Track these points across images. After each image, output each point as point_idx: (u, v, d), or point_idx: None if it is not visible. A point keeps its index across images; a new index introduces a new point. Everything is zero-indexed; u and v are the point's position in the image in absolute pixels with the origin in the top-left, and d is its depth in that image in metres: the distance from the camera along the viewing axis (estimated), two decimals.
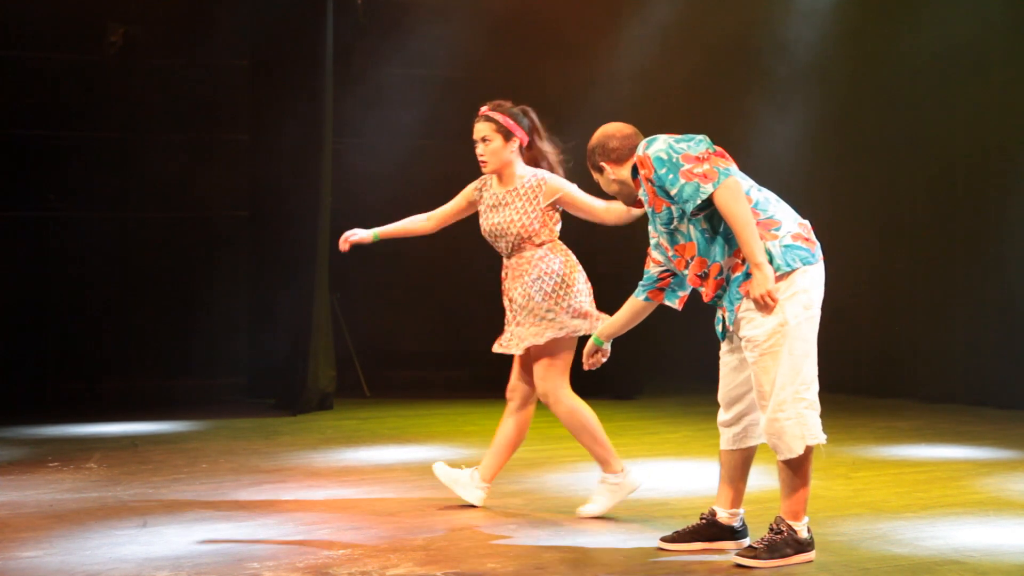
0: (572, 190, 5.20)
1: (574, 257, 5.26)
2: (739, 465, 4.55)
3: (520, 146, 5.21)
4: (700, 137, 4.32)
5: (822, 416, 4.28)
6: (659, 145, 4.33)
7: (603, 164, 4.50)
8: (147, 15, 9.40)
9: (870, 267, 9.42)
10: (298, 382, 8.69)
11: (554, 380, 5.15)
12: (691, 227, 4.30)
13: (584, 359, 4.84)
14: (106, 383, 9.31)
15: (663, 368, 10.13)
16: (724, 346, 4.53)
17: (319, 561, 4.37)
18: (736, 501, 4.56)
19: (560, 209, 5.23)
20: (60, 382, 9.26)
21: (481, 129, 5.17)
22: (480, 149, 5.17)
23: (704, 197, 4.17)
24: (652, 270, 4.63)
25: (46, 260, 9.34)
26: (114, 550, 4.55)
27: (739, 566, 4.23)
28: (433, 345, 10.47)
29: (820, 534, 4.74)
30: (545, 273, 5.15)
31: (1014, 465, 6.30)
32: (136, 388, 9.35)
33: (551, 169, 5.27)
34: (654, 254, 4.58)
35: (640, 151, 4.37)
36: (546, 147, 5.27)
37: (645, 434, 7.65)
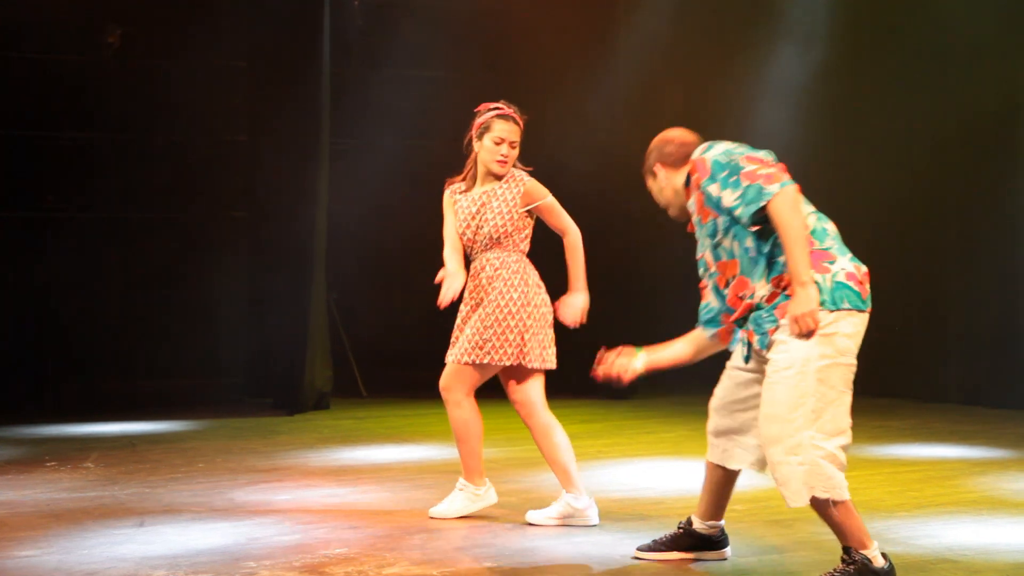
0: (544, 206, 5.10)
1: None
2: (720, 482, 4.34)
3: None
4: (764, 150, 4.07)
5: None
6: (718, 149, 4.07)
7: (657, 168, 4.24)
8: (144, 16, 9.41)
9: (864, 263, 9.44)
10: (295, 382, 8.70)
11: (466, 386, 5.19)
12: (735, 243, 4.00)
13: (608, 363, 4.51)
14: (104, 383, 9.32)
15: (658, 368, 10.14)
16: (738, 361, 4.24)
17: (316, 560, 4.39)
18: (715, 515, 4.37)
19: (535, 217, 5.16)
20: (58, 382, 9.26)
21: (514, 132, 5.09)
22: (505, 150, 5.08)
23: (767, 200, 3.83)
24: (711, 302, 4.25)
25: (44, 260, 9.35)
26: (111, 549, 4.57)
27: None
28: (430, 345, 10.47)
29: (814, 532, 4.76)
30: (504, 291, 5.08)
31: (1007, 464, 6.33)
32: (134, 388, 9.35)
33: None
34: (700, 272, 4.24)
35: (696, 154, 4.11)
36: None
37: (640, 433, 7.67)
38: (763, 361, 4.02)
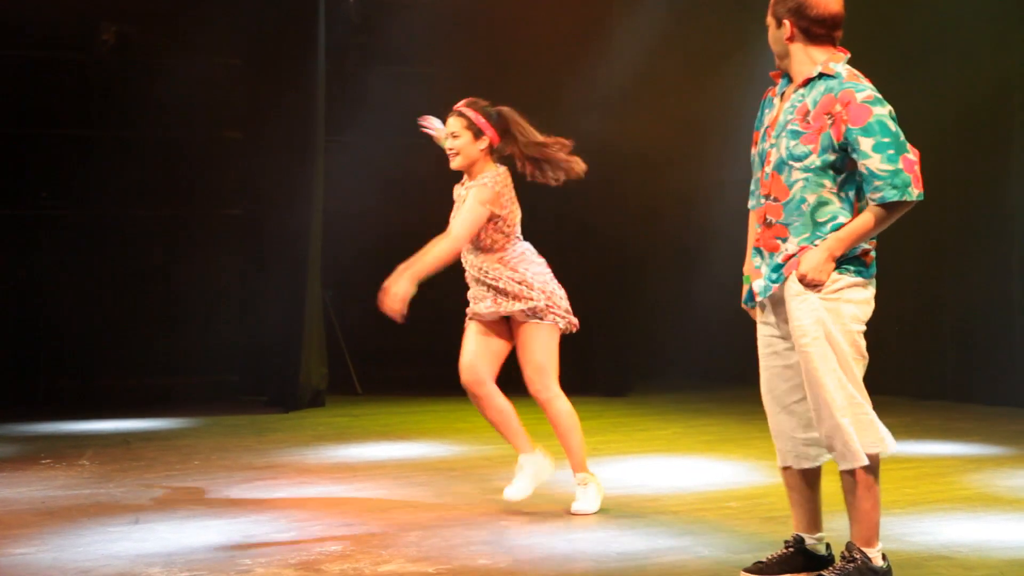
0: (468, 201, 5.11)
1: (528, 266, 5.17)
2: (798, 487, 4.08)
3: (491, 145, 5.19)
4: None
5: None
6: (885, 109, 3.76)
7: (787, 23, 3.83)
8: (140, 14, 9.39)
9: None
10: (290, 379, 8.70)
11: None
12: (802, 185, 3.80)
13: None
14: (99, 380, 9.31)
15: (653, 365, 10.16)
16: (760, 319, 4.06)
17: (311, 557, 4.39)
18: (812, 526, 4.08)
19: (503, 213, 5.13)
20: (53, 379, 9.26)
21: (452, 124, 5.18)
22: (449, 143, 5.19)
23: (908, 198, 3.72)
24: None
25: (39, 257, 9.34)
26: (107, 547, 4.57)
27: None
28: (425, 343, 10.48)
29: None
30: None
31: (1001, 461, 6.34)
32: (128, 385, 9.34)
33: (530, 169, 5.22)
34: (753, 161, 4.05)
35: (858, 96, 3.73)
36: (529, 147, 5.20)
37: (635, 431, 7.67)
38: (771, 318, 3.95)
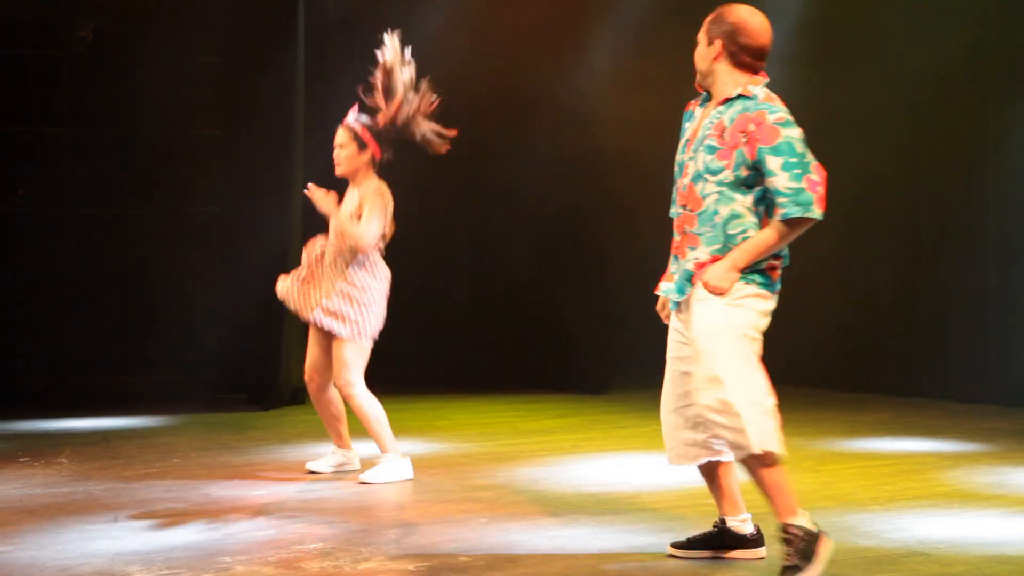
0: (368, 206, 5.71)
1: (383, 281, 5.81)
2: (710, 476, 4.34)
3: (373, 157, 5.80)
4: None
5: (787, 413, 4.23)
6: (795, 130, 3.98)
7: (719, 43, 4.06)
8: (117, 11, 9.35)
9: (836, 260, 9.49)
10: (270, 377, 8.68)
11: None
12: (715, 199, 4.00)
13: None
14: (77, 378, 9.27)
15: (632, 362, 10.18)
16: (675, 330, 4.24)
17: (291, 555, 4.39)
18: (732, 509, 4.31)
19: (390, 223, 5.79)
20: (30, 377, 9.21)
21: (339, 136, 5.80)
22: (336, 152, 5.80)
23: (809, 216, 3.93)
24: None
25: (15, 255, 9.29)
26: (86, 545, 4.55)
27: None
28: (404, 341, 10.47)
29: None
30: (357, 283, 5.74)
31: (978, 458, 6.38)
32: (107, 383, 9.30)
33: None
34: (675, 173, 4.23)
35: (772, 115, 3.95)
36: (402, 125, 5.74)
37: (615, 428, 7.69)
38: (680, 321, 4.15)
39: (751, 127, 3.97)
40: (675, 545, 4.38)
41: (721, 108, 4.06)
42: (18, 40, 9.25)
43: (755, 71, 4.09)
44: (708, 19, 4.13)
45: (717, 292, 3.98)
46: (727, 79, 4.07)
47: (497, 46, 9.69)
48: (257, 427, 7.77)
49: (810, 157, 3.99)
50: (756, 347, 4.08)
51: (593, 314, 9.51)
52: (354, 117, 5.82)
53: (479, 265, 10.38)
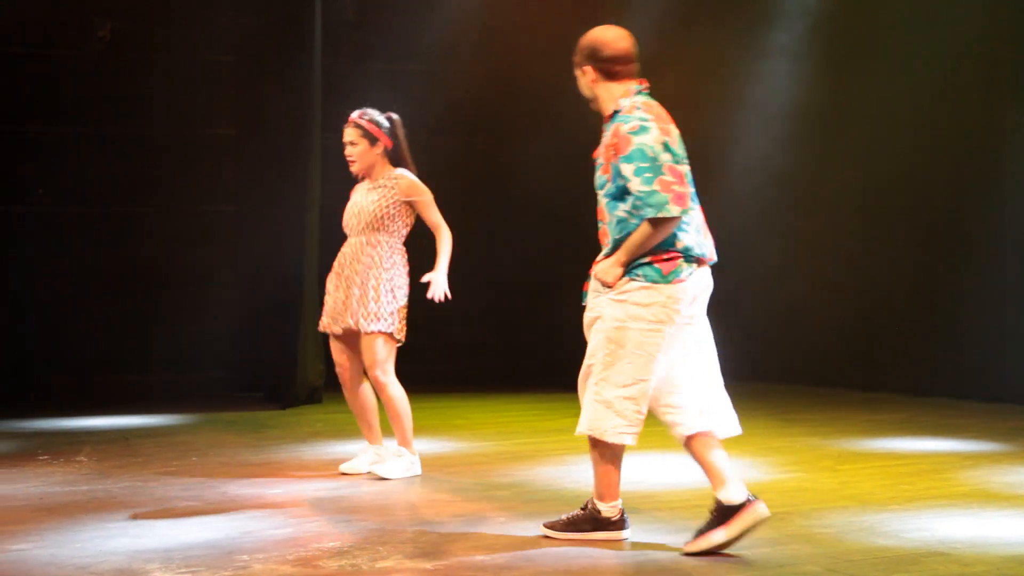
0: (423, 199, 5.80)
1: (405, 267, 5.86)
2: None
3: (385, 148, 5.83)
4: (679, 147, 4.38)
5: (805, 412, 4.26)
6: (648, 138, 4.30)
7: (588, 68, 4.47)
8: (134, 10, 9.39)
9: (853, 260, 9.47)
10: (287, 376, 8.71)
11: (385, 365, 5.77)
12: (606, 208, 4.41)
13: None
14: (96, 377, 9.31)
15: None
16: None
17: (308, 553, 4.40)
18: (718, 481, 4.51)
19: (415, 213, 5.85)
20: (50, 376, 9.26)
21: (349, 134, 5.83)
22: (348, 151, 5.81)
23: (664, 214, 4.23)
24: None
25: (33, 254, 9.33)
26: (104, 543, 4.57)
27: (546, 537, 4.54)
28: (420, 340, 10.48)
29: (806, 526, 4.79)
30: (385, 269, 5.76)
31: (997, 458, 6.35)
32: (126, 382, 9.34)
33: (412, 169, 5.88)
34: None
35: (625, 127, 4.31)
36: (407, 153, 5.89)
37: None
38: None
39: (614, 139, 4.34)
40: (547, 525, 4.65)
41: (606, 126, 4.46)
42: (37, 40, 9.30)
43: (630, 77, 4.46)
44: (574, 55, 4.50)
45: (604, 284, 4.37)
46: (608, 96, 4.46)
47: (511, 42, 9.69)
48: (274, 426, 7.79)
49: (664, 159, 4.28)
50: (642, 338, 4.34)
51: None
52: (358, 113, 5.88)
53: (496, 263, 10.38)
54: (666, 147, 4.31)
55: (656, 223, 4.26)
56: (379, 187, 5.81)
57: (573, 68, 4.50)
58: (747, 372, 9.88)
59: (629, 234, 4.33)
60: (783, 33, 9.60)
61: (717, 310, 10.75)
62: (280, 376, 8.77)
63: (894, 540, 4.55)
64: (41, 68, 9.35)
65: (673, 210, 4.24)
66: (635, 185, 4.26)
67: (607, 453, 4.46)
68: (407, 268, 5.87)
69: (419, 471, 5.90)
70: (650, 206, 4.24)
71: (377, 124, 5.84)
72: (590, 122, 9.41)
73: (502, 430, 7.37)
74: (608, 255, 4.42)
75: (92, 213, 9.57)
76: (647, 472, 6.06)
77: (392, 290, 5.74)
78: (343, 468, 5.96)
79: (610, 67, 4.41)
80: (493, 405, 8.66)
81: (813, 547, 4.46)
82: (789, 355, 9.82)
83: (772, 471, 6.06)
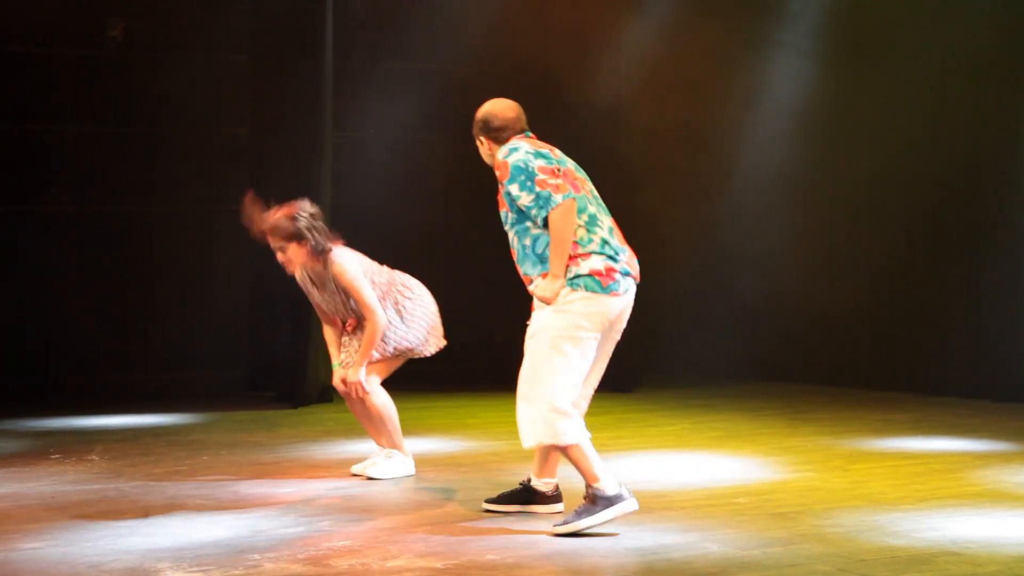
0: (347, 279, 5.77)
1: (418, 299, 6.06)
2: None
3: (308, 245, 5.73)
4: (558, 156, 4.80)
5: (818, 411, 4.26)
6: (519, 155, 4.76)
7: (483, 139, 4.94)
8: (147, 10, 9.41)
9: (867, 259, 9.44)
10: (299, 375, 8.71)
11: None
12: (516, 238, 4.79)
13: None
14: (108, 376, 9.33)
15: (661, 361, 10.16)
16: None
17: (319, 553, 4.40)
18: (548, 472, 5.03)
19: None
20: (62, 375, 9.28)
21: (272, 244, 5.77)
22: (279, 257, 5.79)
23: (554, 205, 4.63)
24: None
25: (47, 254, 9.35)
26: (116, 542, 4.58)
27: (559, 535, 4.62)
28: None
29: (818, 526, 4.78)
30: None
31: (1010, 457, 6.33)
32: (137, 381, 9.36)
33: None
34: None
35: (500, 156, 4.79)
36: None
37: (644, 427, 7.67)
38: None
39: (498, 173, 4.82)
40: (488, 500, 5.09)
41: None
42: (49, 39, 9.31)
43: (522, 134, 4.93)
44: (472, 128, 4.99)
45: (545, 302, 4.70)
46: (495, 155, 4.88)
47: (524, 41, 9.67)
48: (286, 425, 7.80)
49: (535, 164, 4.72)
50: (584, 345, 4.70)
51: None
52: (269, 225, 5.77)
53: (509, 262, 10.36)
54: (537, 154, 4.75)
55: (554, 218, 4.65)
56: (329, 288, 5.84)
57: (474, 139, 4.99)
58: (758, 371, 9.89)
59: (547, 246, 4.70)
60: (792, 28, 9.57)
61: (728, 308, 10.69)
62: (292, 375, 8.78)
63: (906, 540, 4.54)
64: (54, 68, 9.37)
65: (557, 199, 4.65)
66: (524, 200, 4.69)
67: (573, 449, 4.69)
68: (407, 313, 5.96)
69: (412, 471, 5.91)
70: (540, 207, 4.67)
71: (292, 224, 5.74)
72: (604, 121, 9.43)
73: (513, 429, 7.33)
74: (544, 272, 4.73)
75: (104, 212, 9.59)
76: (659, 472, 6.05)
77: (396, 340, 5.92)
78: (354, 470, 5.97)
79: (499, 134, 4.90)
80: (504, 404, 8.64)
81: (825, 547, 4.44)
82: (801, 354, 9.79)
83: (784, 470, 6.04)
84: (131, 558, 4.33)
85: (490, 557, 4.33)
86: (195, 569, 4.18)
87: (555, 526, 4.68)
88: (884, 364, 9.34)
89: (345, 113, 9.70)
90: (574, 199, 4.68)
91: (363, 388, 5.82)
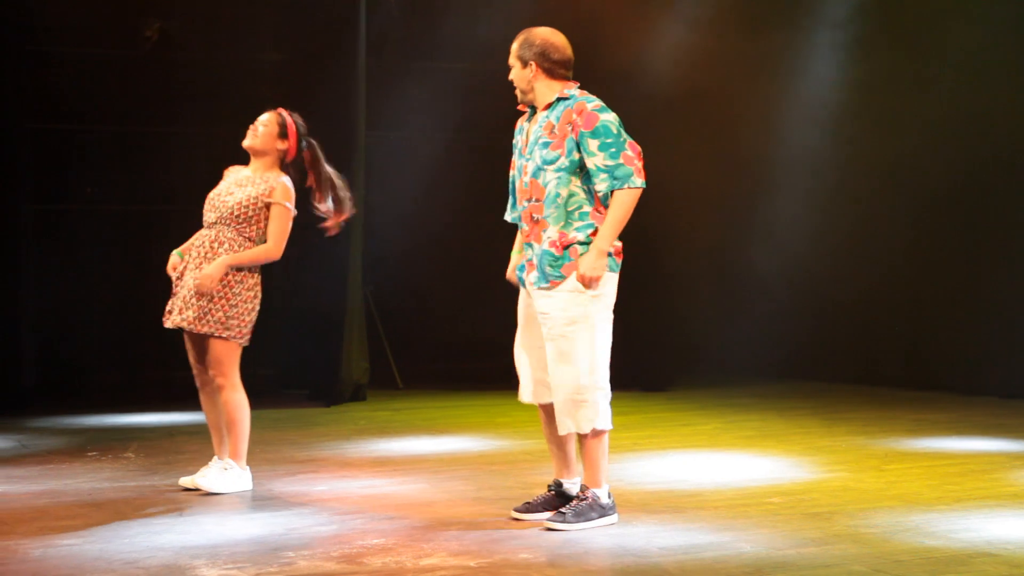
0: (276, 208, 5.58)
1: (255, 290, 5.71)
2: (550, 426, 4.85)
3: (287, 152, 5.65)
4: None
5: (853, 411, 4.26)
6: (611, 116, 4.65)
7: (533, 64, 4.75)
8: (182, 10, 9.47)
9: (904, 256, 9.38)
10: (332, 373, 8.74)
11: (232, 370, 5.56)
12: (556, 183, 4.64)
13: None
14: (143, 374, 9.40)
15: (694, 360, 10.13)
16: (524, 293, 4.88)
17: (353, 550, 4.42)
18: (570, 470, 4.89)
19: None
20: (98, 373, 9.36)
21: (265, 116, 5.69)
22: (253, 126, 5.66)
23: (632, 186, 4.58)
24: (515, 200, 4.91)
25: (82, 252, 9.44)
26: (152, 539, 4.61)
27: (549, 529, 4.65)
28: (465, 337, 10.50)
29: (852, 526, 4.75)
30: (237, 277, 5.60)
31: None
32: (173, 379, 9.42)
33: (319, 197, 5.76)
34: (514, 167, 4.88)
35: (589, 104, 4.64)
36: (326, 181, 5.77)
37: (677, 425, 7.65)
38: (541, 313, 4.70)
39: (575, 117, 4.65)
40: (517, 509, 4.91)
41: (545, 112, 4.76)
42: (84, 40, 9.39)
43: (567, 79, 4.79)
44: (516, 44, 4.82)
45: (595, 280, 4.60)
46: (546, 90, 4.77)
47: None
48: (319, 423, 7.83)
49: (625, 136, 4.64)
50: (609, 326, 4.72)
51: (654, 311, 9.47)
52: (290, 113, 5.76)
53: None
54: (623, 127, 4.66)
55: (624, 199, 4.59)
56: (257, 181, 5.62)
57: (511, 58, 4.81)
58: (791, 370, 9.84)
59: (580, 208, 4.63)
60: (831, 26, 9.52)
61: (760, 307, 10.65)
62: (325, 374, 8.81)
63: (942, 541, 4.50)
64: (88, 68, 9.44)
65: (637, 182, 4.60)
66: (599, 160, 4.58)
67: (601, 439, 4.72)
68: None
69: (249, 486, 5.54)
70: (616, 179, 4.59)
71: (299, 130, 5.71)
72: (635, 119, 9.39)
73: (517, 429, 7.35)
74: (563, 231, 4.64)
75: (139, 211, 9.66)
76: (692, 471, 6.03)
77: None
78: (182, 482, 5.54)
79: (555, 68, 4.75)
80: (513, 404, 8.65)
81: (860, 547, 4.42)
82: (834, 353, 9.74)
83: (818, 470, 6.01)
84: (166, 555, 4.36)
85: (523, 556, 4.33)
86: (230, 566, 4.20)
87: (549, 520, 4.70)
88: (919, 363, 9.28)
89: (378, 111, 9.73)
90: (642, 190, 4.63)
91: (216, 282, 5.47)
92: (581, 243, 4.65)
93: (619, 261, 4.74)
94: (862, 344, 9.64)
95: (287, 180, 5.63)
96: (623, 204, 4.60)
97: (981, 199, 8.91)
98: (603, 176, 4.59)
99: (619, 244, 4.72)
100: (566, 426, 4.70)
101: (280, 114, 5.72)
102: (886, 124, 9.44)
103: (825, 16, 9.51)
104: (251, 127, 5.69)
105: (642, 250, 9.49)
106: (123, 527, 4.81)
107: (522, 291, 4.89)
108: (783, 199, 9.79)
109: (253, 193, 5.60)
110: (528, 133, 4.80)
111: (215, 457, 5.62)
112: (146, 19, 9.41)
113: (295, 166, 5.72)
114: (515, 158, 4.87)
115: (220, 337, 5.54)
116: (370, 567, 4.19)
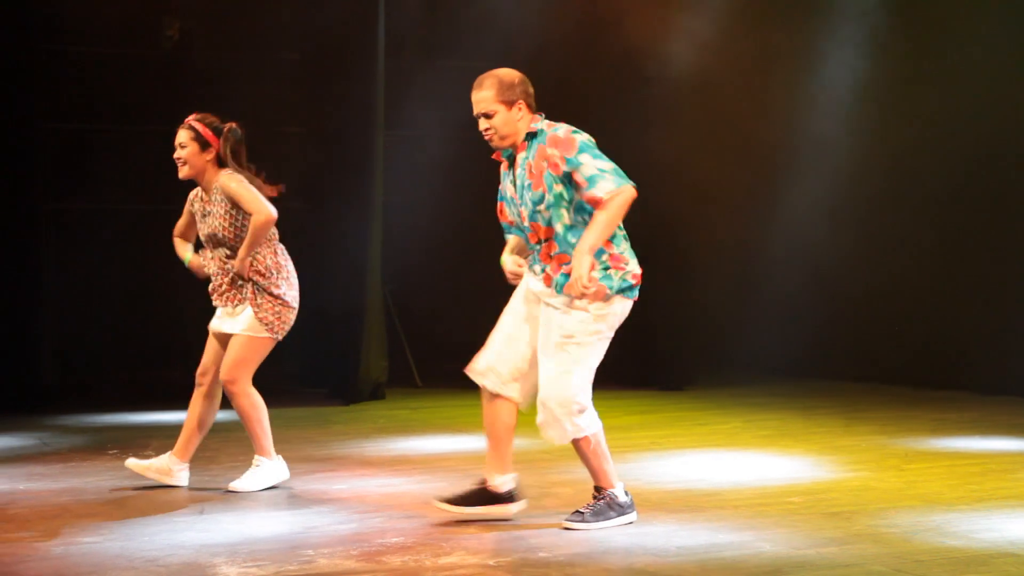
0: (234, 190, 5.55)
1: (282, 257, 5.80)
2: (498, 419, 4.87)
3: (217, 155, 5.62)
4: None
5: (873, 411, 4.20)
6: (584, 135, 4.63)
7: (521, 103, 4.68)
8: (202, 9, 9.51)
9: (924, 255, 9.33)
10: (351, 372, 8.76)
11: (245, 371, 5.66)
12: (553, 214, 4.59)
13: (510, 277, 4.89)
14: (165, 372, 9.44)
15: (712, 359, 10.11)
16: (521, 294, 4.82)
17: (373, 549, 4.43)
18: (503, 467, 4.86)
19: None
20: (120, 371, 9.40)
21: (180, 136, 5.61)
22: (177, 153, 5.60)
23: (627, 184, 4.50)
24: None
25: (102, 251, 9.48)
26: (172, 536, 4.64)
27: (568, 529, 4.66)
28: (485, 335, 10.49)
29: (872, 526, 4.73)
30: (258, 273, 5.67)
31: None
32: (193, 377, 9.45)
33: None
34: (507, 217, 4.85)
35: (561, 132, 4.59)
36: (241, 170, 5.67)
37: (695, 425, 7.64)
38: (543, 302, 4.68)
39: (549, 151, 4.58)
40: (444, 500, 4.85)
41: (524, 153, 4.68)
42: (105, 39, 9.43)
43: (534, 110, 4.72)
44: (491, 92, 4.70)
45: (586, 284, 4.50)
46: (524, 127, 4.69)
47: (575, 40, 9.65)
48: (339, 421, 7.85)
49: (596, 147, 4.60)
50: (606, 344, 4.70)
51: (675, 310, 9.45)
52: (195, 117, 5.67)
53: None
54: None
55: (616, 199, 4.49)
56: (214, 197, 5.62)
57: (489, 105, 4.69)
58: (810, 369, 9.81)
59: (578, 237, 4.55)
60: (849, 21, 9.48)
61: (779, 306, 10.63)
62: (344, 372, 8.83)
63: (963, 540, 4.49)
64: (110, 67, 9.49)
65: (628, 181, 4.53)
66: (593, 168, 4.50)
67: (595, 444, 4.71)
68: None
69: (286, 475, 5.66)
70: (611, 179, 4.50)
71: (214, 129, 5.66)
72: (656, 121, 9.38)
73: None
74: (564, 263, 4.59)
75: (162, 210, 9.69)
76: (711, 471, 6.02)
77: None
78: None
79: (532, 99, 4.72)
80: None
81: (880, 547, 4.40)
82: (853, 352, 9.70)
83: (837, 470, 5.99)
84: (186, 553, 4.38)
85: (542, 555, 4.34)
86: (250, 564, 4.22)
87: (568, 519, 4.71)
88: (939, 362, 9.23)
89: (398, 111, 9.74)
90: (635, 197, 4.55)
91: (250, 268, 5.57)
92: (622, 278, 4.63)
93: (636, 287, 4.68)
94: (882, 343, 9.61)
95: (227, 171, 5.62)
96: (615, 205, 4.51)
97: (1002, 194, 8.87)
98: (602, 180, 4.51)
99: (639, 271, 4.67)
100: (551, 439, 4.70)
101: (190, 127, 5.63)
102: (914, 124, 9.37)
103: (845, 7, 9.47)
104: (175, 157, 5.64)
105: (664, 246, 9.53)
106: (144, 525, 4.83)
107: (524, 287, 4.82)
108: (807, 197, 9.75)
109: (220, 212, 5.64)
110: (515, 179, 4.72)
111: (168, 454, 5.68)
112: (167, 19, 9.44)
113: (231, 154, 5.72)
114: (506, 207, 4.82)
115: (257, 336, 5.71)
116: (389, 565, 4.20)
